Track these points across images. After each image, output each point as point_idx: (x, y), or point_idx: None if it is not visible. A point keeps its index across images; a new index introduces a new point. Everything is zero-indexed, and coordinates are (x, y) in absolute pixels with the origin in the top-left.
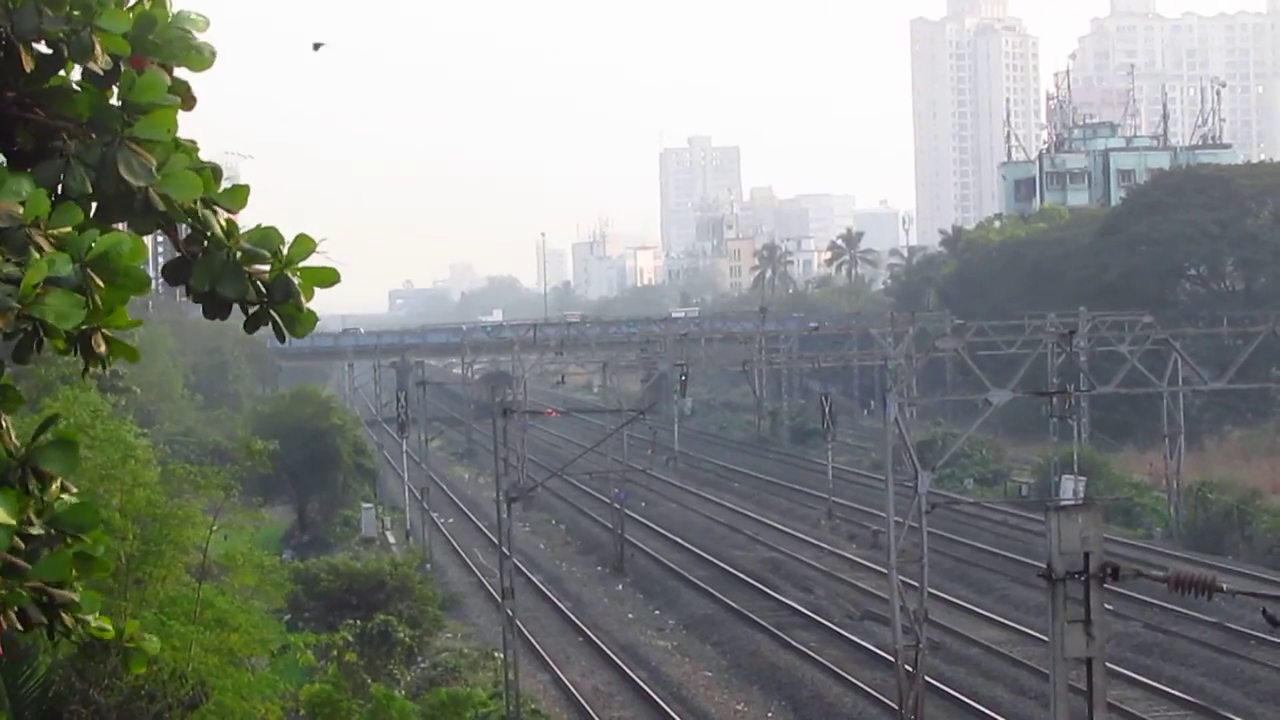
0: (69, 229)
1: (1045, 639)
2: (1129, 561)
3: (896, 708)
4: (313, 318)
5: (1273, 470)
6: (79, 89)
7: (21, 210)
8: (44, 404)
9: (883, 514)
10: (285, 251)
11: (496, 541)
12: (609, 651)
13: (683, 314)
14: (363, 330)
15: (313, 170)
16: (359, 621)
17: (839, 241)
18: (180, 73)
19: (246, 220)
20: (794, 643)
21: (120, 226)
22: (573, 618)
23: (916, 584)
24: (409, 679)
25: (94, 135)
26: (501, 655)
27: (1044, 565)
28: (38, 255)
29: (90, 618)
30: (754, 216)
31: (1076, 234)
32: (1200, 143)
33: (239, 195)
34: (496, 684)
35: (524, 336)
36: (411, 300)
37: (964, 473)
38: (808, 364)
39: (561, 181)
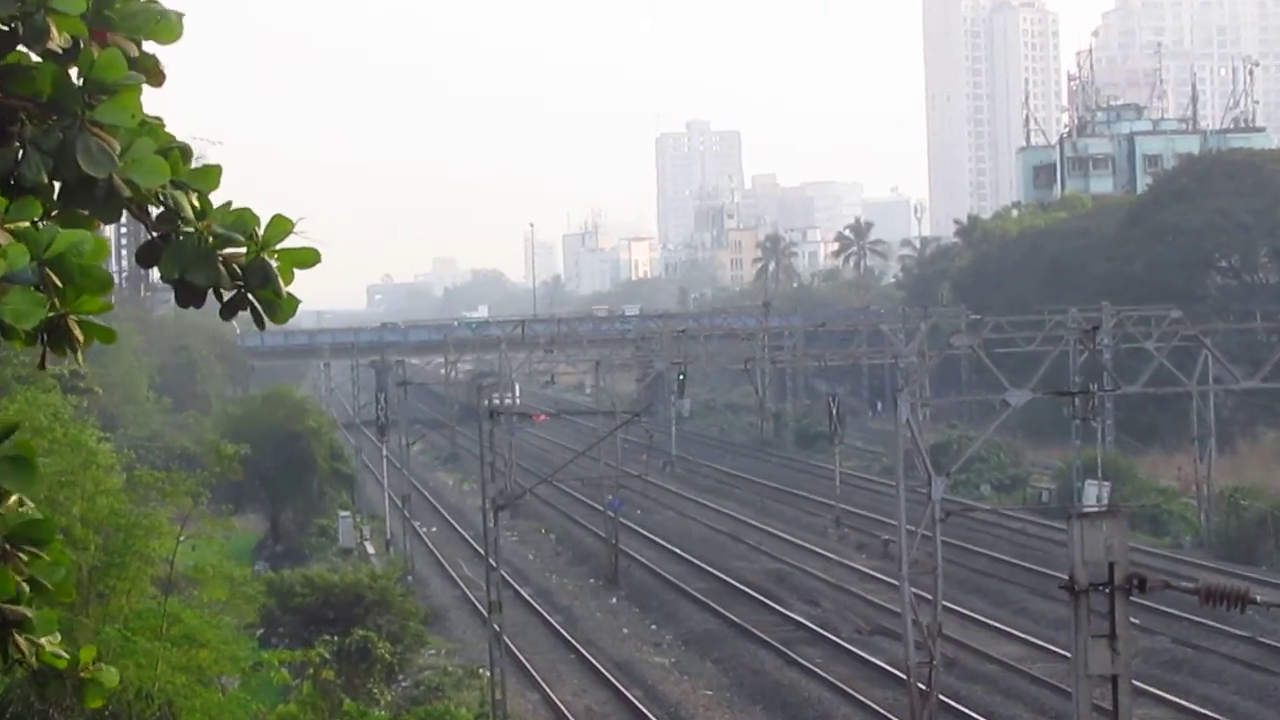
0: (26, 223)
1: (1067, 655)
2: (1156, 572)
3: None
4: (293, 302)
5: None
6: (39, 65)
7: None
8: (1, 405)
9: (894, 522)
10: (261, 233)
11: (483, 552)
12: (602, 669)
13: (636, 310)
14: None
15: (284, 158)
16: (336, 637)
17: (847, 232)
18: (149, 46)
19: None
20: (799, 659)
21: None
22: (564, 633)
23: (930, 596)
24: (389, 698)
25: (54, 118)
26: (488, 673)
27: (1066, 576)
28: None
29: (45, 640)
30: (756, 206)
31: (1100, 223)
32: (1231, 126)
33: (211, 176)
34: (482, 704)
35: (511, 334)
36: (391, 296)
37: (980, 478)
38: (814, 362)
39: (551, 169)
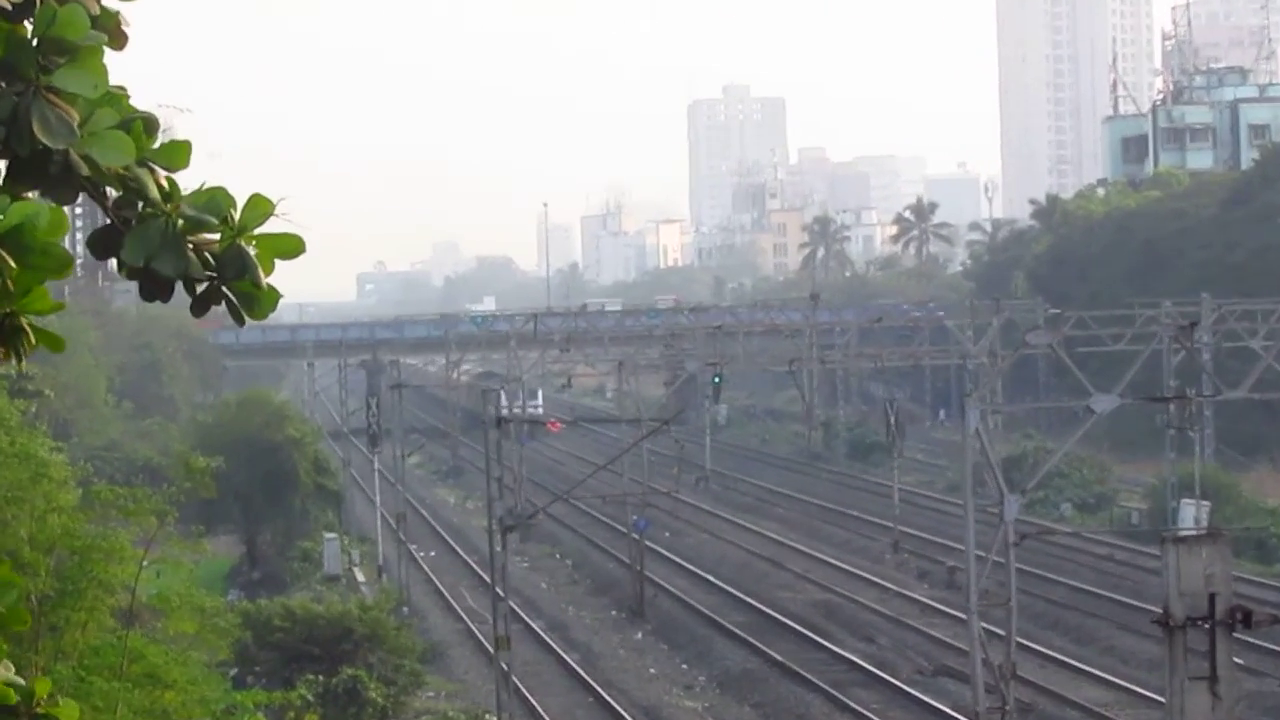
0: None
1: (1161, 700)
2: (1263, 605)
3: None
4: (274, 295)
5: None
6: None
7: None
8: None
9: (960, 546)
10: (237, 217)
11: (489, 580)
12: (626, 715)
13: (617, 306)
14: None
15: (260, 130)
16: (321, 677)
17: (907, 213)
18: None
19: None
20: (852, 704)
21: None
22: (581, 673)
23: (1002, 632)
24: None
25: (3, 84)
26: (495, 718)
27: (1159, 610)
28: None
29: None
30: (803, 183)
31: (1198, 204)
32: None
33: (179, 152)
34: None
35: (521, 329)
36: (384, 286)
37: (1060, 496)
38: (869, 363)
39: (567, 141)
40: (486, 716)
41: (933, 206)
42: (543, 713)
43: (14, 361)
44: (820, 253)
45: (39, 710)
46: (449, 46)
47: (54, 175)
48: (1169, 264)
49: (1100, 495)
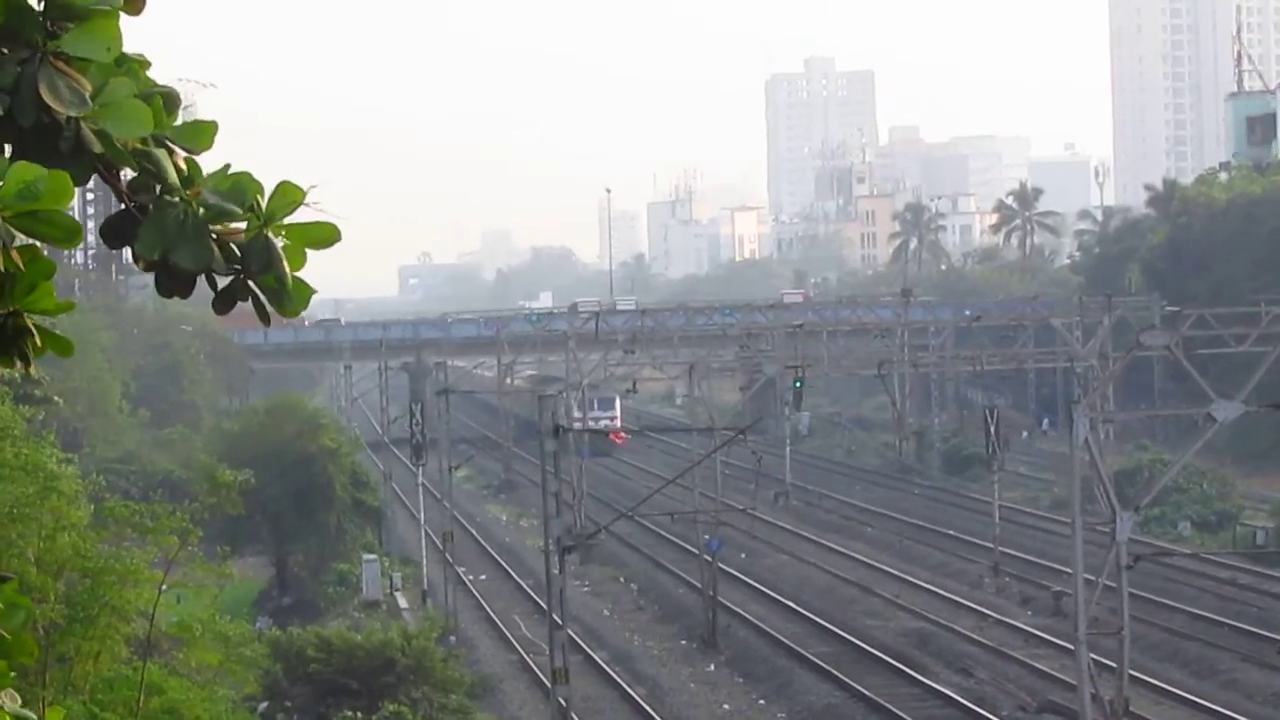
0: None
1: None
2: None
3: None
4: (305, 290)
5: None
6: None
7: None
8: None
9: (1067, 569)
10: (264, 204)
11: (545, 606)
12: None
13: (631, 304)
14: (343, 320)
15: (293, 109)
16: (359, 714)
17: (1008, 200)
18: None
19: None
20: None
21: None
22: (647, 709)
23: (1114, 664)
24: None
25: (7, 49)
26: None
27: None
28: None
29: (3, 699)
30: (894, 166)
31: None
32: None
33: (203, 132)
34: None
35: (582, 329)
36: (430, 280)
37: (1178, 513)
38: (967, 366)
39: (632, 120)
40: None
41: (1037, 193)
42: None
43: (19, 367)
44: (913, 244)
45: None
46: (502, 11)
47: (64, 150)
48: None
49: (1222, 513)
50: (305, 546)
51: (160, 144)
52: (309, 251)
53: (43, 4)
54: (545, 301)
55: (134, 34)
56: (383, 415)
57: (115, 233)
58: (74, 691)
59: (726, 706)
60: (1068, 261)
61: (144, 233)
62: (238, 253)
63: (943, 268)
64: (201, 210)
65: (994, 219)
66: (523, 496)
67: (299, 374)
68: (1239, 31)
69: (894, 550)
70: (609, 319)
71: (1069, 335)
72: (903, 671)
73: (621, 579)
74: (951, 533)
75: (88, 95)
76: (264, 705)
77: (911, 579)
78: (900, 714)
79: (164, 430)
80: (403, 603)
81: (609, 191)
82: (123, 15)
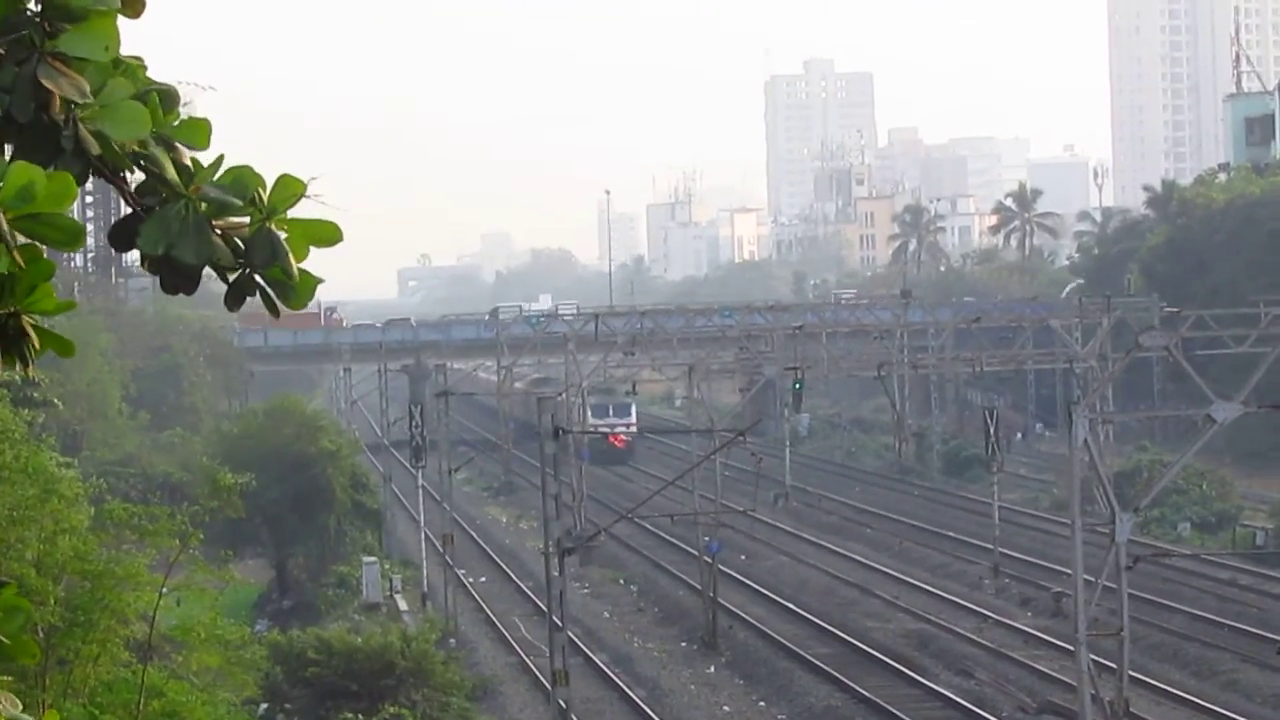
0: None
1: None
2: None
3: None
4: (311, 281)
5: None
6: None
7: None
8: None
9: (1067, 570)
10: (266, 198)
11: (545, 608)
12: None
13: (573, 307)
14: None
15: (290, 107)
16: (360, 716)
17: (1008, 202)
18: None
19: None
20: None
21: None
22: (647, 710)
23: (1114, 665)
24: None
25: (4, 50)
26: None
27: None
28: None
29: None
30: (893, 168)
31: None
32: None
33: (200, 130)
34: None
35: (581, 330)
36: (429, 282)
37: (1178, 514)
38: (966, 367)
39: (631, 121)
40: None
41: (1036, 194)
42: None
43: (19, 368)
44: (912, 245)
45: None
46: (501, 14)
47: (64, 151)
48: None
49: (1222, 513)
50: (305, 549)
51: (161, 142)
52: (312, 249)
53: (40, 4)
54: (545, 303)
55: (133, 35)
56: (382, 417)
57: (123, 236)
58: (73, 694)
59: (726, 708)
60: (1067, 263)
61: (145, 230)
62: (240, 247)
63: (942, 269)
64: (203, 205)
65: (993, 220)
66: (522, 498)
67: (298, 376)
68: (1237, 32)
69: (894, 551)
70: (609, 320)
71: (1068, 336)
72: (902, 673)
73: (621, 581)
74: (951, 534)
75: (86, 93)
76: (264, 708)
77: (911, 580)
78: (900, 715)
79: (163, 433)
80: (403, 605)
81: (608, 193)
82: (122, 18)
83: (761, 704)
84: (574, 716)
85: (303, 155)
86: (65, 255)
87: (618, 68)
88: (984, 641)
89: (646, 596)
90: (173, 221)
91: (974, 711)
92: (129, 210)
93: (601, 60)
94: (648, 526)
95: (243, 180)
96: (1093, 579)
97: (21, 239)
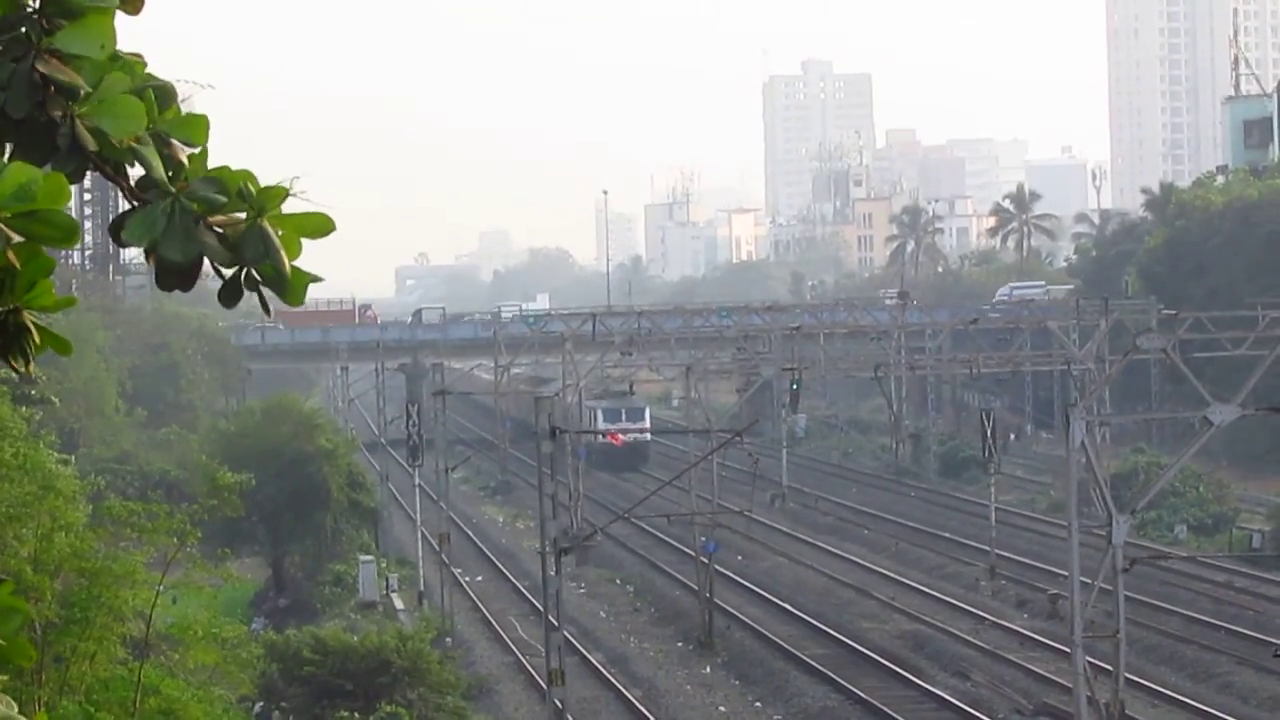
0: None
1: None
2: None
3: None
4: (305, 277)
5: None
6: None
7: None
8: None
9: (1063, 572)
10: (255, 193)
11: (541, 608)
12: None
13: (515, 309)
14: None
15: (289, 108)
16: (356, 715)
17: (1006, 203)
18: None
19: None
20: None
21: None
22: (643, 710)
23: (1109, 667)
24: None
25: (1, 47)
26: None
27: None
28: None
29: None
30: (891, 169)
31: None
32: None
33: (195, 126)
34: None
35: (579, 330)
36: (427, 281)
37: (1175, 517)
38: (963, 369)
39: (629, 121)
40: None
41: (1034, 196)
42: None
43: (20, 364)
44: (910, 246)
45: None
46: (499, 13)
47: (60, 148)
48: None
49: (1219, 516)
50: (301, 547)
51: (155, 138)
52: (305, 246)
53: (38, 0)
54: (542, 303)
55: (134, 32)
56: (379, 416)
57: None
58: (70, 691)
59: (722, 709)
60: (1064, 265)
61: (130, 224)
62: (233, 244)
63: (939, 270)
64: (194, 204)
65: (991, 222)
66: (519, 498)
67: (295, 375)
68: (1236, 35)
69: (890, 553)
70: (606, 320)
71: (1066, 338)
72: (899, 674)
73: (618, 581)
74: (948, 535)
75: (82, 91)
76: (259, 706)
77: (908, 581)
78: (896, 716)
79: (160, 431)
80: (399, 604)
81: (606, 193)
82: (122, 15)
83: (757, 704)
84: (570, 716)
85: (300, 154)
86: (62, 253)
87: (616, 68)
88: (980, 643)
89: (643, 596)
90: (159, 218)
91: (970, 713)
92: (130, 205)
93: (600, 60)
94: (644, 527)
95: (226, 176)
96: (1089, 581)
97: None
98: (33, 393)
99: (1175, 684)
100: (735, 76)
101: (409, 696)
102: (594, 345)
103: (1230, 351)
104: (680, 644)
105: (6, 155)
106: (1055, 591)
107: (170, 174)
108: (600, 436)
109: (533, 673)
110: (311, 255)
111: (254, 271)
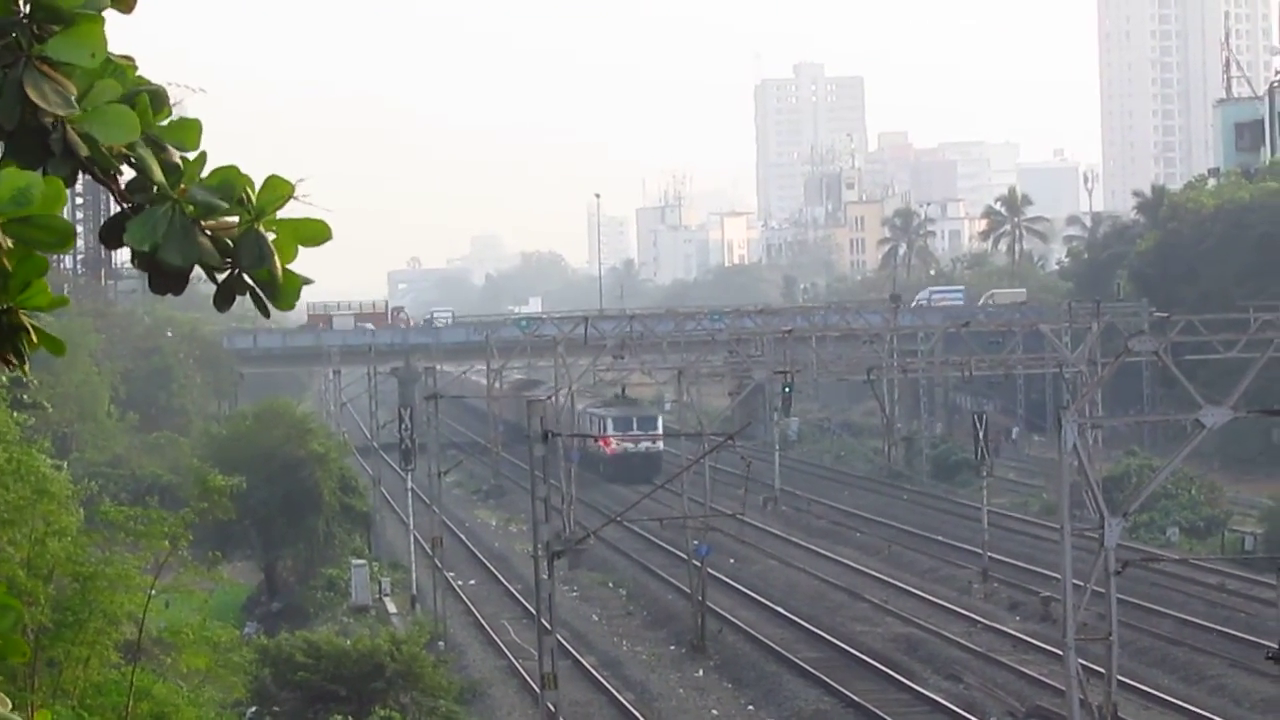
0: None
1: None
2: None
3: None
4: (297, 281)
5: None
6: None
7: None
8: None
9: (1056, 575)
10: (254, 199)
11: (534, 611)
12: None
13: (447, 314)
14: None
15: (280, 113)
16: (349, 719)
17: (998, 206)
18: None
19: None
20: None
21: None
22: (636, 714)
23: (1102, 670)
24: None
25: None
26: None
27: (1275, 645)
28: None
29: None
30: (883, 172)
31: None
32: None
33: (188, 130)
34: None
35: (571, 333)
36: (419, 284)
37: (1167, 519)
38: (956, 372)
39: (621, 125)
40: None
41: (1026, 199)
42: None
43: (16, 364)
44: (902, 249)
45: None
46: (491, 17)
47: (54, 152)
48: None
49: (1211, 518)
50: (294, 551)
51: (150, 142)
52: (301, 249)
53: (29, 6)
54: (534, 306)
55: (124, 34)
56: (371, 420)
57: (114, 234)
58: (63, 695)
59: (715, 712)
60: (1056, 267)
61: (132, 227)
62: (230, 248)
63: (932, 273)
64: (190, 207)
65: (983, 225)
66: (512, 501)
67: (288, 379)
68: (1227, 38)
69: (883, 555)
70: (598, 323)
71: (1058, 341)
72: (891, 677)
73: (610, 584)
74: (940, 538)
75: (73, 98)
76: (252, 710)
77: (900, 584)
78: (888, 719)
79: (152, 435)
80: (391, 608)
81: (598, 197)
82: (114, 13)
83: (750, 708)
84: (563, 719)
85: (292, 157)
86: (55, 256)
87: (608, 72)
88: (973, 646)
89: (635, 600)
90: (159, 222)
91: (963, 716)
92: (119, 208)
93: (591, 64)
94: (637, 530)
95: (229, 181)
96: (1082, 584)
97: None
98: (25, 397)
99: (1168, 686)
100: (727, 80)
101: (402, 700)
102: (586, 349)
103: (1222, 354)
104: (673, 647)
105: None
106: (1048, 594)
107: (168, 178)
108: (593, 441)
109: (525, 676)
110: (303, 258)
111: (245, 276)
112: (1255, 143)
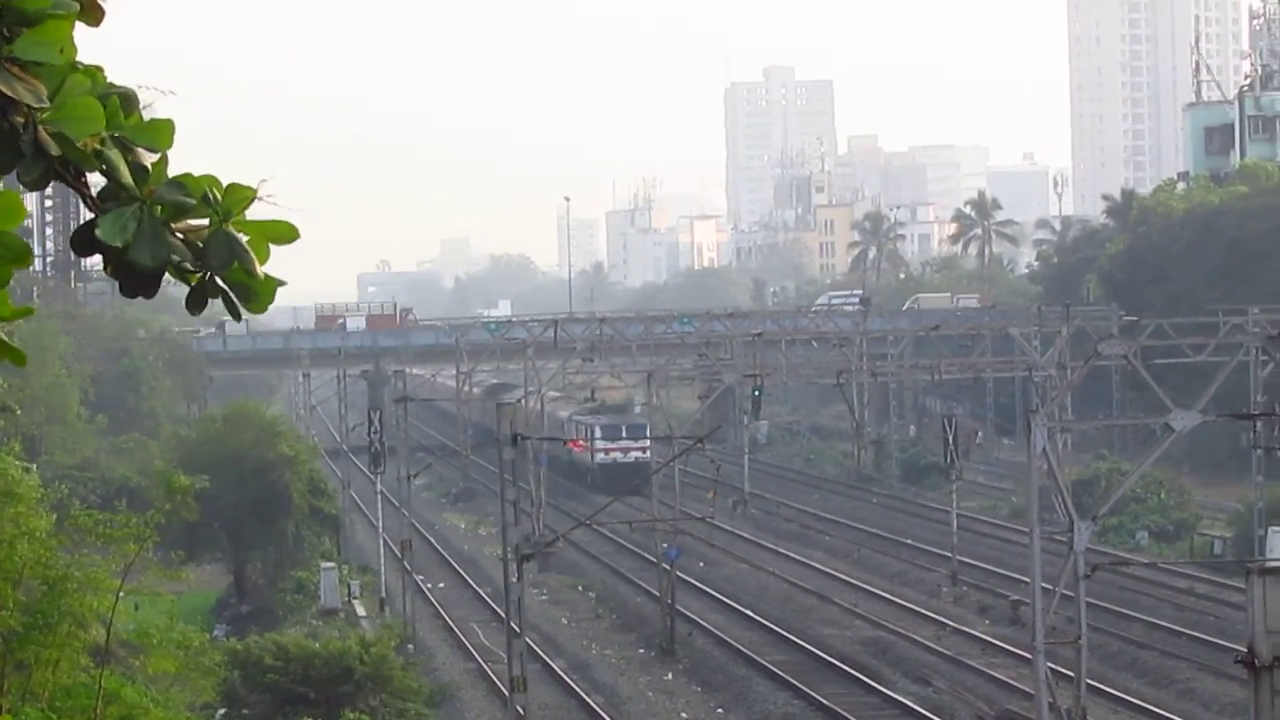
0: None
1: None
2: None
3: None
4: (272, 284)
5: None
6: None
7: None
8: None
9: (1025, 579)
10: (220, 198)
11: (503, 614)
12: None
13: (360, 320)
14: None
15: (244, 112)
16: None
17: (967, 209)
18: None
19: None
20: None
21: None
22: (605, 717)
23: (1071, 673)
24: None
25: None
26: None
27: (1244, 649)
28: None
29: None
30: (853, 175)
31: None
32: None
33: (160, 131)
34: None
35: (540, 336)
36: (389, 287)
37: (1136, 523)
38: (925, 375)
39: (591, 128)
40: None
41: (996, 202)
42: None
43: None
44: (871, 253)
45: None
46: (462, 19)
47: (25, 152)
48: (1257, 267)
49: (1180, 522)
50: (263, 554)
51: (120, 143)
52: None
53: None
54: (504, 309)
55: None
56: (341, 423)
57: (85, 241)
58: (32, 698)
59: (684, 715)
60: (1026, 271)
61: (103, 224)
62: (199, 249)
63: (901, 277)
64: (159, 208)
65: (953, 228)
66: (481, 505)
67: (257, 382)
68: (1197, 42)
69: (852, 559)
70: (568, 326)
71: (1027, 345)
72: (860, 680)
73: (580, 587)
74: (909, 541)
75: (43, 96)
76: (221, 713)
77: (869, 588)
78: None
79: (121, 437)
80: (361, 611)
81: (568, 199)
82: (83, 26)
83: (719, 710)
84: None
85: (260, 158)
86: None
87: (578, 74)
88: (942, 649)
89: (605, 603)
90: (129, 221)
91: (931, 719)
92: (89, 215)
93: (562, 66)
94: (606, 533)
95: (195, 183)
96: (1051, 587)
97: None
98: None
99: (1136, 690)
100: (697, 83)
101: (371, 703)
102: (556, 351)
103: (1191, 358)
104: (642, 650)
105: None
106: (1017, 598)
107: (135, 179)
108: (579, 450)
109: (495, 679)
110: (273, 261)
111: (217, 278)
112: (1225, 147)
